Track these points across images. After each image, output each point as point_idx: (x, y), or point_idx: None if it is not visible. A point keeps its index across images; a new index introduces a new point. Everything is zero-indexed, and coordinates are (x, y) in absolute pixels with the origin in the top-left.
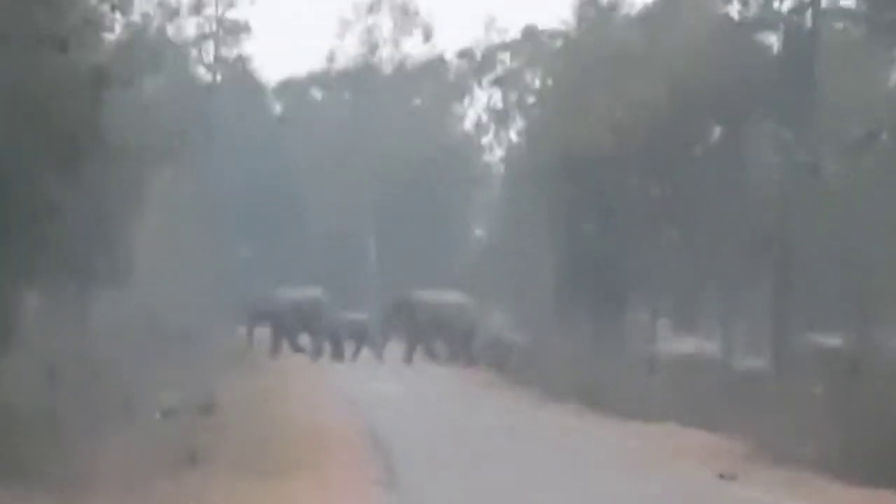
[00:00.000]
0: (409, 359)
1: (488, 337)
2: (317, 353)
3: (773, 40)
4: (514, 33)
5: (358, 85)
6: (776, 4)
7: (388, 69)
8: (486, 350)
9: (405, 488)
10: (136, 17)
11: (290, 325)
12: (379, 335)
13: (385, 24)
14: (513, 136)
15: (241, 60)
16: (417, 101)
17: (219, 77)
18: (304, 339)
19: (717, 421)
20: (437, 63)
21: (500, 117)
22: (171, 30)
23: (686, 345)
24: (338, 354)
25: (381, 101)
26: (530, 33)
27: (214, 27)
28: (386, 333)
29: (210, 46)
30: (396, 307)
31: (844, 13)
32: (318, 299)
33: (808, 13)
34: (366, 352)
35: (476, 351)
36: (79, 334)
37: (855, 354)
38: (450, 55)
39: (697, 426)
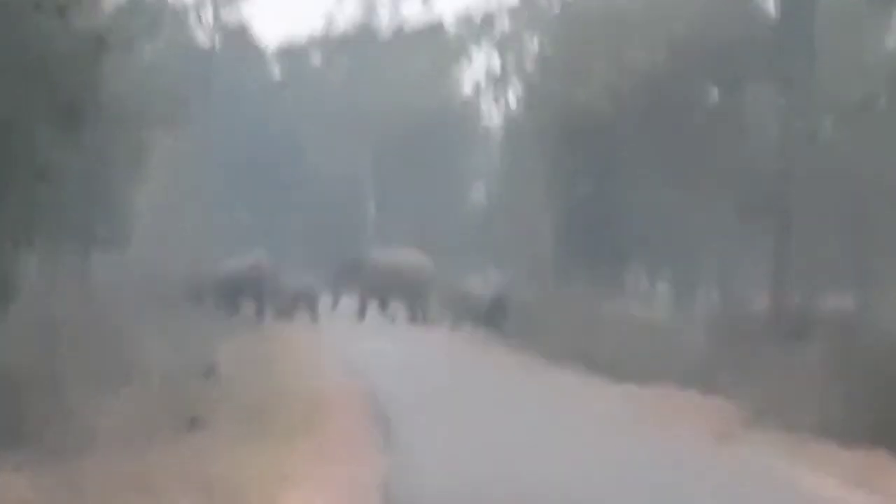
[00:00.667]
0: (361, 316)
1: (486, 296)
2: (260, 318)
3: (771, 4)
4: None
5: (357, 49)
6: None
7: (386, 33)
8: (484, 310)
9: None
10: None
11: (228, 295)
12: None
13: None
14: (511, 99)
15: (241, 24)
16: (416, 65)
17: (218, 41)
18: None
19: (715, 384)
20: (436, 27)
21: (499, 81)
22: None
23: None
24: (283, 317)
25: (379, 65)
26: None
27: None
28: (337, 293)
29: (209, 10)
30: (347, 267)
31: None
32: (257, 266)
33: None
34: (348, 316)
35: (429, 309)
36: (79, 298)
37: (854, 316)
38: (448, 19)
39: (695, 389)
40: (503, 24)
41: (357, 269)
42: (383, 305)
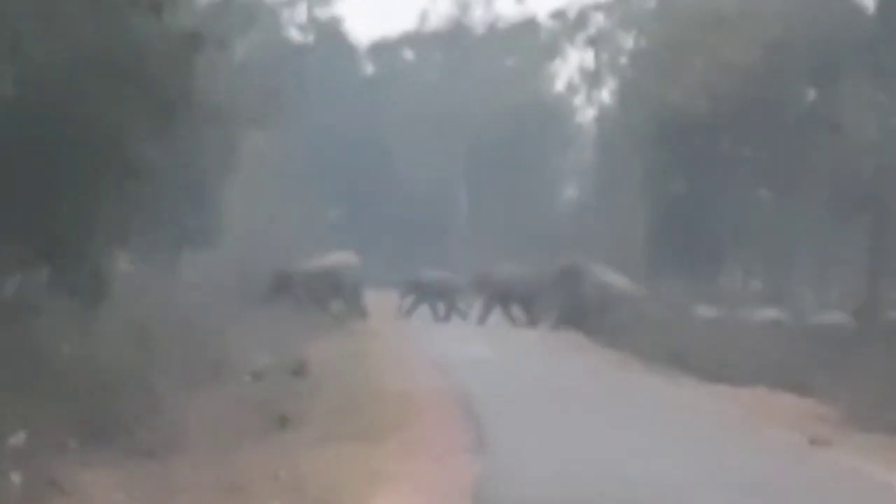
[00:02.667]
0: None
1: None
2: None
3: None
4: None
5: (450, 45)
6: None
7: (480, 30)
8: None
9: (492, 453)
10: None
11: (319, 292)
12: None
13: None
14: (605, 97)
15: (334, 21)
16: (509, 62)
17: (311, 38)
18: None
19: (810, 385)
20: (530, 23)
21: (593, 78)
22: None
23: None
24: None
25: (472, 62)
26: None
27: None
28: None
29: (302, 7)
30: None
31: None
32: (347, 264)
33: None
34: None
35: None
36: (170, 296)
37: None
38: (542, 15)
39: (788, 390)
40: (597, 21)
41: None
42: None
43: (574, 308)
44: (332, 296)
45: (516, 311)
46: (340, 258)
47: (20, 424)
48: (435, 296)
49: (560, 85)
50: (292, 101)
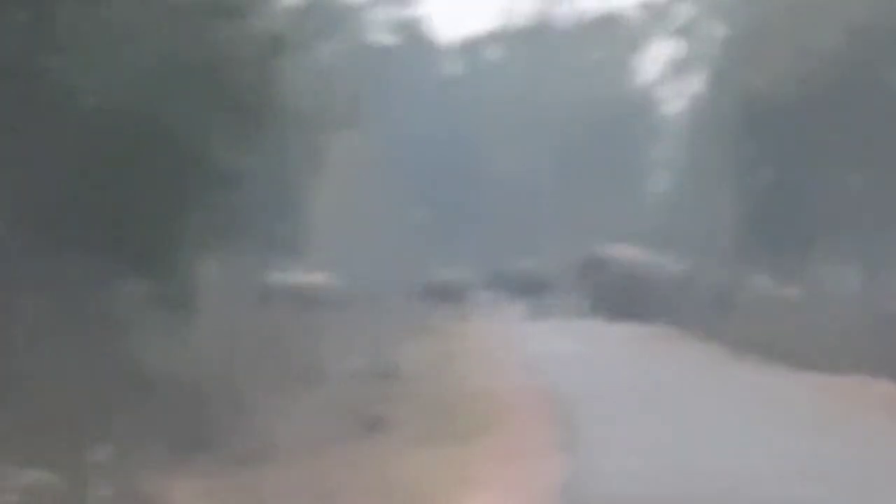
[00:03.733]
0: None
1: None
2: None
3: None
4: None
5: (534, 42)
6: None
7: (564, 25)
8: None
9: (585, 452)
10: None
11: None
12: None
13: None
14: (694, 86)
15: (417, 22)
16: (595, 56)
17: (395, 39)
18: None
19: None
20: (614, 16)
21: (681, 68)
22: None
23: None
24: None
25: (558, 57)
26: None
27: None
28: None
29: (385, 9)
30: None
31: None
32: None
33: None
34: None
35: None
36: (259, 302)
37: None
38: (627, 7)
39: (888, 378)
40: (684, 11)
41: (593, 268)
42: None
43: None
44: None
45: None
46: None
47: (110, 436)
48: (520, 289)
49: (646, 77)
50: (377, 104)
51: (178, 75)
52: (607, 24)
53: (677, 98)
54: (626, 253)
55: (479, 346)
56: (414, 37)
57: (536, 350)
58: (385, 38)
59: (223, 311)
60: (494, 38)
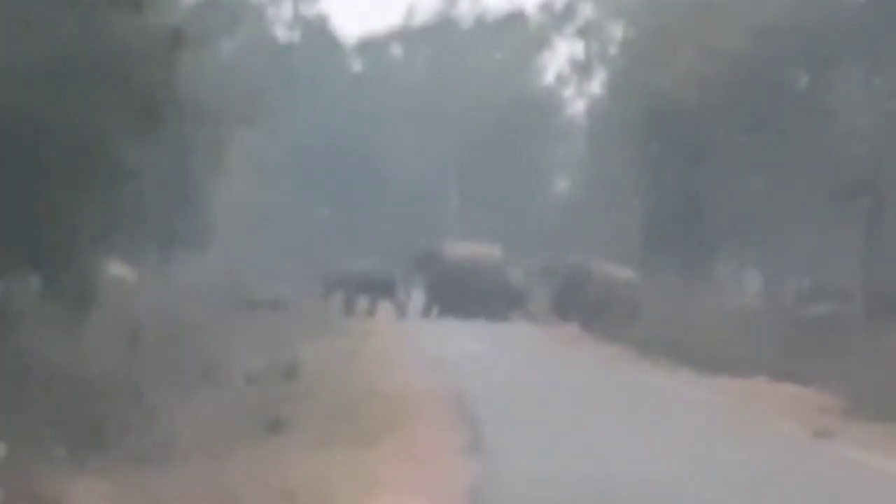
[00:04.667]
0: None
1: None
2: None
3: None
4: None
5: (437, 40)
6: None
7: (467, 23)
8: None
9: (491, 454)
10: None
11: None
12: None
13: None
14: (595, 88)
15: (320, 19)
16: (498, 55)
17: (297, 36)
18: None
19: (809, 374)
20: (517, 16)
21: (583, 69)
22: None
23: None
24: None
25: (460, 56)
26: None
27: None
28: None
29: (288, 5)
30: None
31: None
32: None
33: None
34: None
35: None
36: (160, 299)
37: None
38: (530, 7)
39: (789, 380)
40: (586, 12)
41: (431, 262)
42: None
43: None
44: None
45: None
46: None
47: (3, 435)
48: (359, 289)
49: (549, 77)
50: (279, 100)
51: (74, 69)
52: (510, 23)
53: (580, 98)
54: (463, 248)
55: (385, 346)
56: (317, 34)
57: (438, 349)
58: (288, 35)
59: (125, 308)
60: (397, 36)
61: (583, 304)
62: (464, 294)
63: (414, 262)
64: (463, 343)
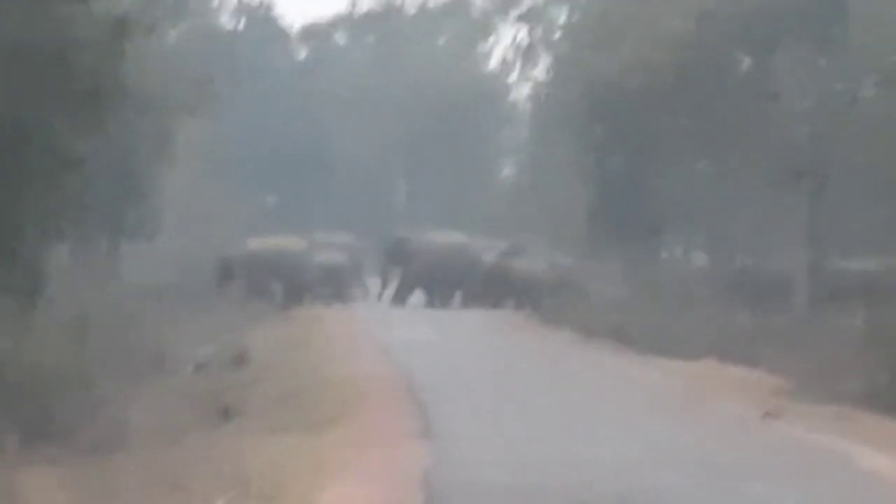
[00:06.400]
0: (400, 300)
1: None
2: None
3: None
4: None
5: (382, 27)
6: None
7: (411, 10)
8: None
9: (442, 439)
10: None
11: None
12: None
13: None
14: (539, 73)
15: (264, 6)
16: (442, 42)
17: (241, 24)
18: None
19: (756, 356)
20: (461, 1)
21: (527, 54)
22: None
23: None
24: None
25: (405, 42)
26: None
27: None
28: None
29: None
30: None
31: None
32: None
33: None
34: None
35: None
36: (108, 289)
37: (891, 280)
38: None
39: (736, 362)
40: None
41: (402, 252)
42: (427, 289)
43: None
44: (274, 281)
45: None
46: (280, 242)
47: None
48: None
49: (494, 63)
50: (225, 89)
51: (15, 56)
52: (454, 9)
53: (525, 84)
54: (436, 238)
55: (333, 332)
56: (261, 21)
57: (390, 337)
58: (233, 23)
59: (73, 298)
60: (342, 23)
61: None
62: (440, 282)
63: (386, 253)
64: (415, 330)
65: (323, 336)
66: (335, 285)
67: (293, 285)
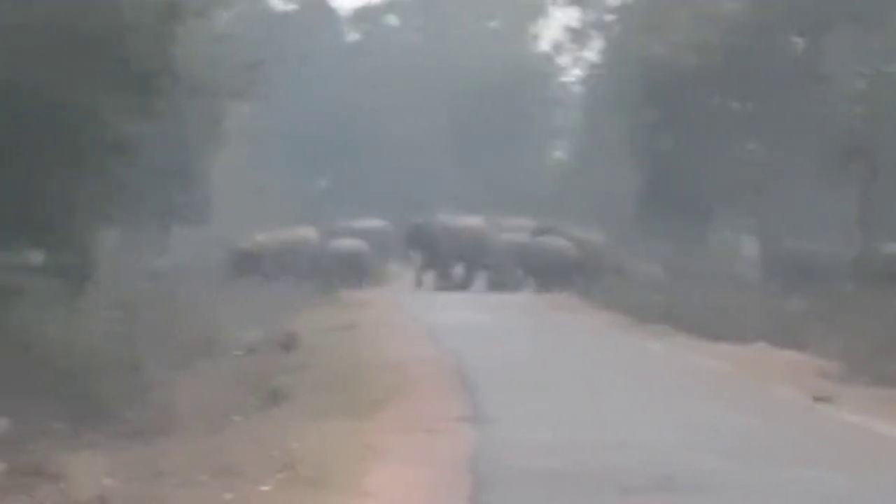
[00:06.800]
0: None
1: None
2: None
3: None
4: None
5: (432, 10)
6: None
7: None
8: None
9: (496, 426)
10: None
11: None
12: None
13: None
14: (591, 55)
15: None
16: (493, 24)
17: (293, 6)
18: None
19: (807, 339)
20: None
21: (578, 36)
22: None
23: None
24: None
25: (455, 25)
26: None
27: None
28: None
29: None
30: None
31: None
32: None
33: None
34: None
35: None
36: (157, 272)
37: None
38: None
39: (788, 345)
40: None
41: (421, 236)
42: (452, 271)
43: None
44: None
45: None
46: (299, 233)
47: (4, 410)
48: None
49: (545, 45)
50: (275, 72)
51: (68, 42)
52: None
53: (576, 66)
54: (455, 221)
55: (382, 317)
56: (313, 4)
57: (439, 320)
58: (284, 6)
59: (123, 282)
60: (392, 5)
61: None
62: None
63: (406, 238)
64: (460, 313)
65: (368, 320)
66: (355, 271)
67: (310, 272)
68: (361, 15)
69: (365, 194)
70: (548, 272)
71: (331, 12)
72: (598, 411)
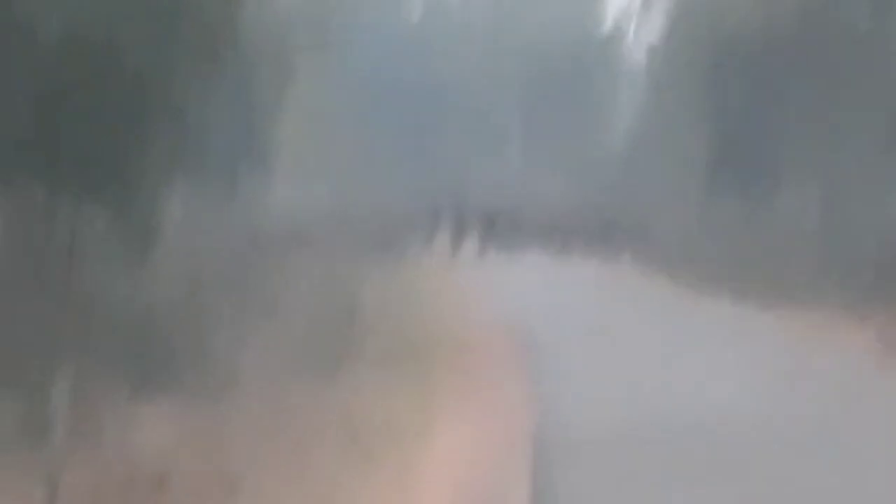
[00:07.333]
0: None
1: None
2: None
3: None
4: None
5: None
6: None
7: None
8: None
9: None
10: None
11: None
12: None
13: None
14: (658, 30)
15: None
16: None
17: None
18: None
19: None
20: None
21: (644, 11)
22: None
23: None
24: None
25: (521, 0)
26: None
27: None
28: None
29: None
30: None
31: None
32: None
33: None
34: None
35: None
36: (223, 238)
37: None
38: None
39: (857, 311)
40: None
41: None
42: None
43: None
44: None
45: None
46: None
47: (68, 372)
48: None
49: (612, 19)
50: (340, 42)
51: (136, 5)
52: None
53: (643, 41)
54: None
55: (449, 283)
56: None
57: (502, 286)
58: None
59: (188, 248)
60: None
61: None
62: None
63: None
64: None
65: (431, 289)
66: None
67: None
68: None
69: (432, 167)
70: None
71: None
72: (658, 379)
